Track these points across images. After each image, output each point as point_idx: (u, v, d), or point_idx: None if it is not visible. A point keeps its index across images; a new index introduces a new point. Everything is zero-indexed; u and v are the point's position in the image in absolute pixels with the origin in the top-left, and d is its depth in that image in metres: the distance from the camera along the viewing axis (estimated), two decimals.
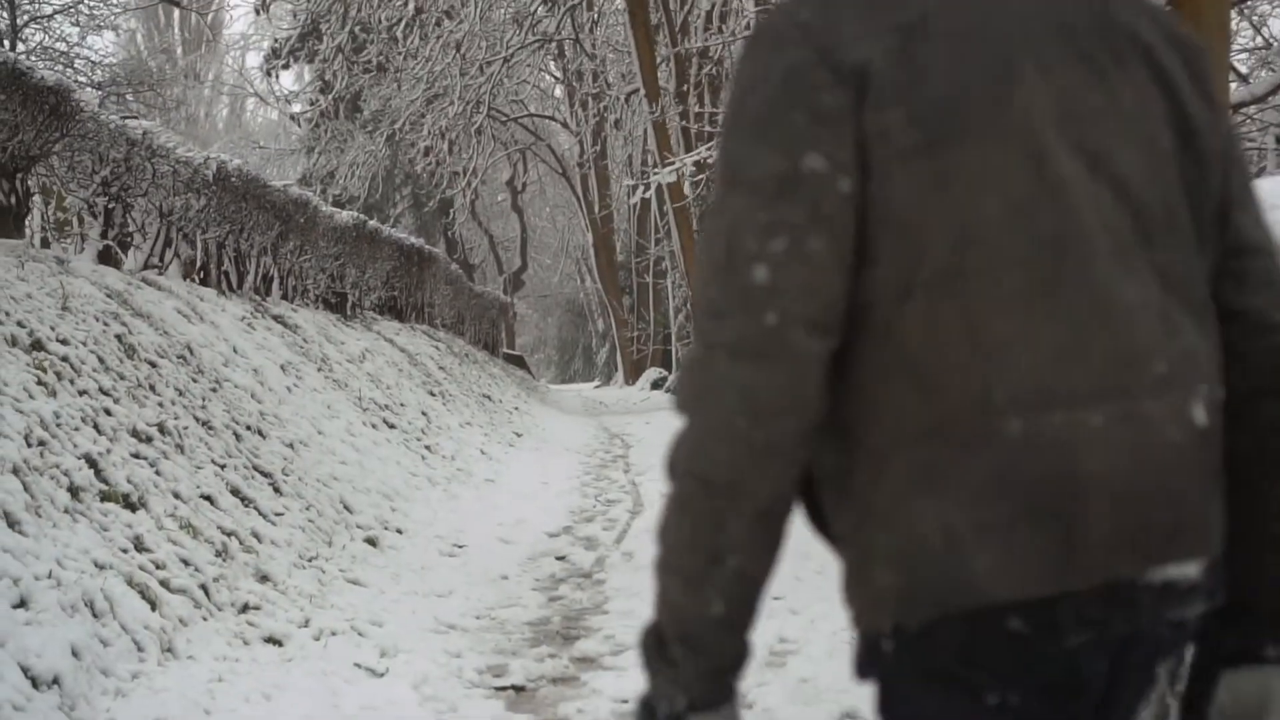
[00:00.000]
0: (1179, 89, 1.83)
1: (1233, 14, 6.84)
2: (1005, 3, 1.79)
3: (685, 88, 27.21)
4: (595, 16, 33.08)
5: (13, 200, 11.84)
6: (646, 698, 1.82)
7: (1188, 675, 1.90)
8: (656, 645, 1.80)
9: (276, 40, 40.44)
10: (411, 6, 29.23)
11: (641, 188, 14.04)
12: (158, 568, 7.12)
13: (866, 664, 1.80)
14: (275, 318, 16.45)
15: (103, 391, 8.79)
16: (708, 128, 13.70)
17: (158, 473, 8.32)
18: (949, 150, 1.70)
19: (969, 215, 1.69)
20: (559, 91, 43.16)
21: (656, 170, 16.47)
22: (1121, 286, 1.72)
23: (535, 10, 29.52)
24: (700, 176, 15.11)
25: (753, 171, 1.73)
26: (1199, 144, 1.84)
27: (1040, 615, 1.66)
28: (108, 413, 8.52)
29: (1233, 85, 8.02)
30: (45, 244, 12.61)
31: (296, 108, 46.04)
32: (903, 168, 1.70)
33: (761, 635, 7.63)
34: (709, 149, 13.25)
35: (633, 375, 41.72)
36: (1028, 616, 1.66)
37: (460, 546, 10.77)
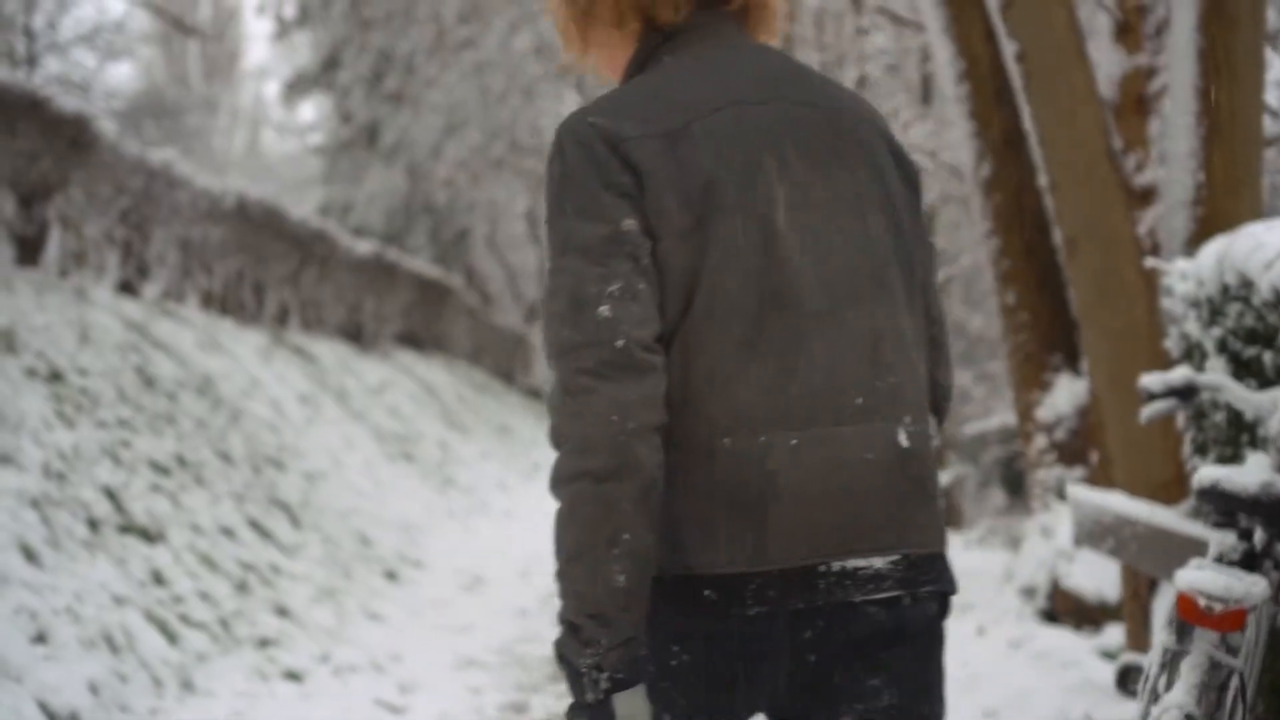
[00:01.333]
0: (889, 182, 2.34)
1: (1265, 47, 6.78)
2: (753, 113, 2.27)
3: None
4: None
5: (31, 230, 11.82)
6: (573, 703, 2.15)
7: None
8: (571, 637, 2.13)
9: (296, 71, 40.51)
10: (432, 31, 29.25)
11: None
12: (176, 601, 7.06)
13: (674, 609, 2.22)
14: (294, 349, 16.42)
15: (122, 423, 8.74)
16: None
17: (177, 505, 8.26)
18: (708, 227, 2.18)
19: (717, 278, 2.18)
20: None
21: None
22: (827, 337, 2.22)
23: (555, 41, 29.55)
24: None
25: (584, 238, 2.17)
26: (903, 226, 2.34)
27: (729, 588, 2.15)
28: (126, 445, 8.47)
29: (1266, 120, 7.94)
30: (63, 274, 12.56)
31: (315, 138, 46.15)
32: (679, 240, 2.17)
33: None
34: None
35: None
36: (719, 588, 2.15)
37: (479, 580, 10.70)
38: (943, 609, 2.32)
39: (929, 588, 2.26)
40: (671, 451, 2.18)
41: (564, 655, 2.15)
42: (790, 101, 2.31)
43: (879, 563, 2.21)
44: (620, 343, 2.13)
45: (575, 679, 2.13)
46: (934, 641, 2.32)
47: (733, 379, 2.19)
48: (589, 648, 2.11)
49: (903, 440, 2.24)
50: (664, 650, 2.21)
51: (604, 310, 2.14)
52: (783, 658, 2.22)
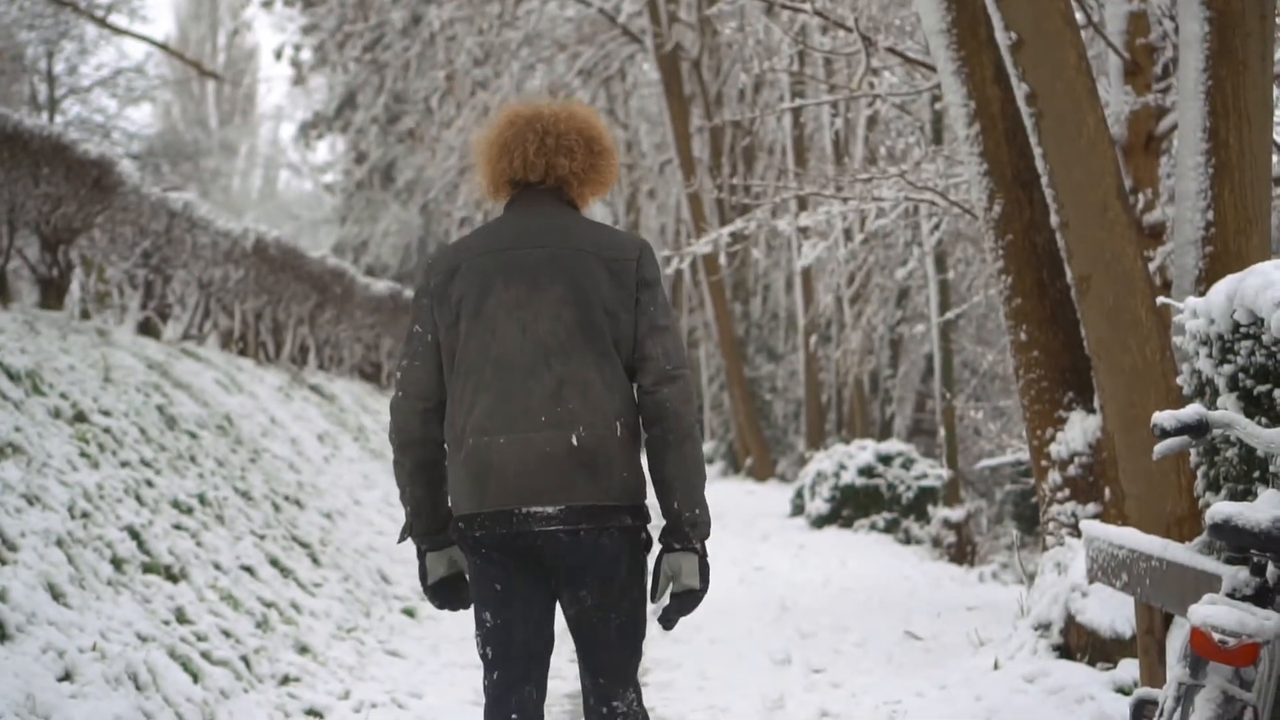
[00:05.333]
0: (590, 291, 4.08)
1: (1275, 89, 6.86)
2: (501, 255, 4.15)
3: (720, 159, 27.32)
4: (629, 87, 33.28)
5: (54, 272, 11.94)
6: (417, 550, 4.37)
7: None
8: (405, 525, 4.34)
9: (315, 114, 40.71)
10: (447, 73, 29.41)
11: (676, 259, 14.11)
12: (199, 639, 7.12)
13: (451, 532, 4.23)
14: (312, 388, 16.52)
15: (144, 463, 8.82)
16: (743, 199, 13.75)
17: (199, 544, 8.33)
18: (460, 324, 4.13)
19: (465, 350, 4.11)
20: None
21: (691, 241, 16.53)
22: (525, 382, 4.04)
23: (569, 82, 29.71)
24: (736, 248, 15.12)
25: (408, 330, 4.24)
26: (593, 309, 4.07)
27: (469, 520, 4.09)
28: (149, 484, 8.55)
29: (1275, 159, 8.00)
30: (86, 315, 12.68)
31: (330, 178, 46.36)
32: (447, 330, 4.15)
33: (802, 709, 7.60)
34: (745, 220, 13.27)
35: None
36: (464, 521, 4.11)
37: None
38: (615, 536, 4.06)
39: (585, 525, 4.01)
40: (450, 447, 4.13)
41: (403, 534, 4.36)
42: (529, 247, 4.15)
43: (550, 509, 4.00)
44: (399, 394, 4.22)
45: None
46: (609, 561, 4.08)
47: (474, 405, 4.06)
48: (408, 533, 4.33)
49: (573, 440, 3.99)
50: (470, 561, 4.20)
51: (399, 375, 4.24)
52: (523, 560, 4.10)
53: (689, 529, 4.09)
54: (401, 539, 4.38)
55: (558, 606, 4.25)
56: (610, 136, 4.42)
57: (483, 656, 4.25)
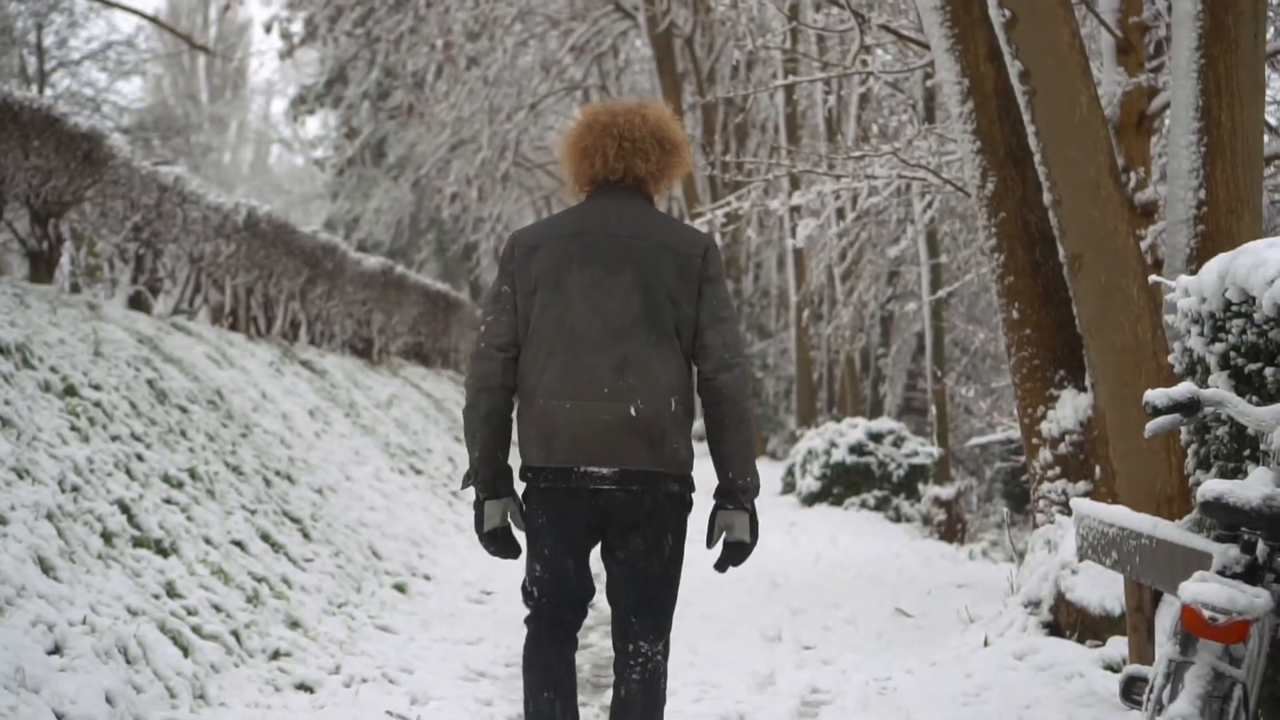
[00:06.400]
0: (655, 278, 4.63)
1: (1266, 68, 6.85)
2: (579, 239, 4.71)
3: (712, 136, 27.29)
4: (622, 64, 33.19)
5: (44, 246, 11.91)
6: (474, 500, 4.86)
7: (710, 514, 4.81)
8: (469, 471, 4.82)
9: (305, 88, 40.55)
10: (440, 43, 29.29)
11: None
12: (190, 614, 7.12)
13: (521, 479, 4.76)
14: (303, 363, 16.50)
15: (135, 437, 8.81)
16: (735, 176, 13.75)
17: (189, 518, 8.33)
18: (539, 294, 4.69)
19: (539, 319, 4.68)
20: None
21: (685, 220, 16.51)
22: (593, 355, 4.59)
23: (562, 58, 29.63)
24: (730, 228, 15.11)
25: (490, 291, 4.84)
26: (658, 297, 4.62)
27: (535, 471, 4.72)
28: (140, 458, 8.54)
29: (1267, 138, 7.99)
30: (76, 289, 12.65)
31: (321, 153, 46.23)
32: (524, 298, 4.73)
33: (792, 685, 7.61)
34: (738, 198, 13.26)
35: None
36: (533, 472, 4.73)
37: (488, 593, 10.75)
38: (664, 499, 4.68)
39: (635, 486, 4.61)
40: (521, 402, 4.68)
41: (466, 480, 4.84)
42: (602, 234, 4.71)
43: (605, 470, 4.60)
44: (483, 345, 4.76)
45: (473, 489, 4.84)
46: (661, 518, 4.70)
47: (544, 370, 4.62)
48: (471, 480, 4.81)
49: (632, 412, 4.55)
50: (532, 510, 4.78)
51: (482, 328, 4.77)
52: (581, 512, 4.69)
53: (741, 494, 4.71)
54: (464, 485, 4.88)
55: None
56: (682, 131, 4.97)
57: (529, 593, 4.85)
